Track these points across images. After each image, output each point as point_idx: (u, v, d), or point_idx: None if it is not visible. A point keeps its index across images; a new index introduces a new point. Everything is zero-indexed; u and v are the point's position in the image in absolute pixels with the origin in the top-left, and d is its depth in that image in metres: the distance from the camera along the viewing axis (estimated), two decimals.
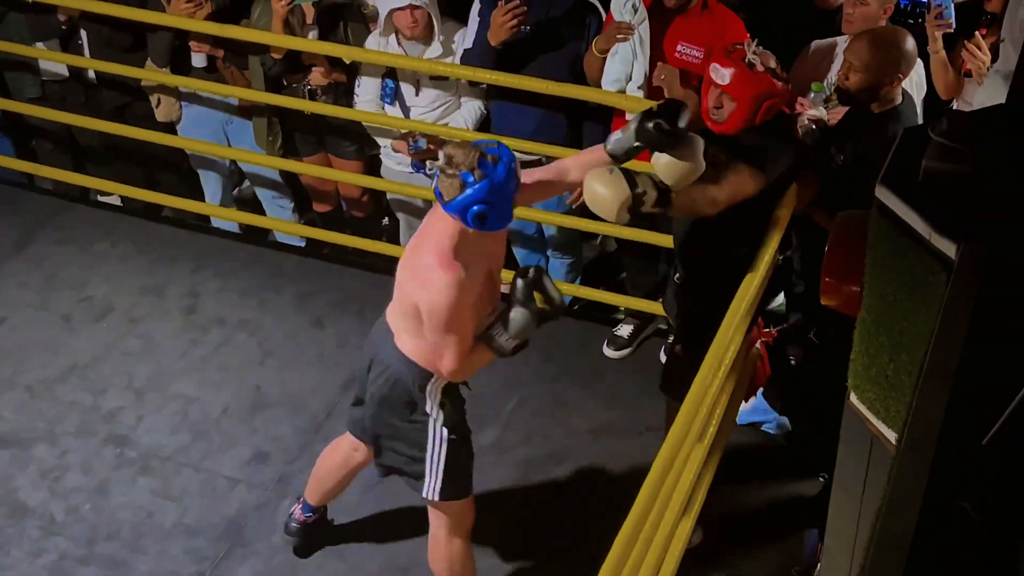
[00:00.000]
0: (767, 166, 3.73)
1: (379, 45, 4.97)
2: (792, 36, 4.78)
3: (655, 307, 4.96)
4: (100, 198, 6.19)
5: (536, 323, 3.50)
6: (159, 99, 5.57)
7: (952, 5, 4.40)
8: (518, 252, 5.43)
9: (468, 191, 3.25)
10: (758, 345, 4.56)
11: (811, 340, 4.20)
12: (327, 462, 4.13)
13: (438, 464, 3.72)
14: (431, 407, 3.67)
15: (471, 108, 5.06)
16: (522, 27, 4.63)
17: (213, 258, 5.67)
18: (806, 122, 4.16)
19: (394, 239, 5.68)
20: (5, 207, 6.02)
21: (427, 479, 3.74)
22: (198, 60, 5.39)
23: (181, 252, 5.71)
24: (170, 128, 5.67)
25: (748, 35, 4.42)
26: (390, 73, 5.05)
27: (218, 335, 5.24)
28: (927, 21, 4.41)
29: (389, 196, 5.50)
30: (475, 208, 3.27)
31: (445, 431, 3.70)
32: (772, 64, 3.73)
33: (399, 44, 4.94)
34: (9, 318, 5.36)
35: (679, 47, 4.52)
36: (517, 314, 3.49)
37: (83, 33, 5.56)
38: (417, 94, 5.03)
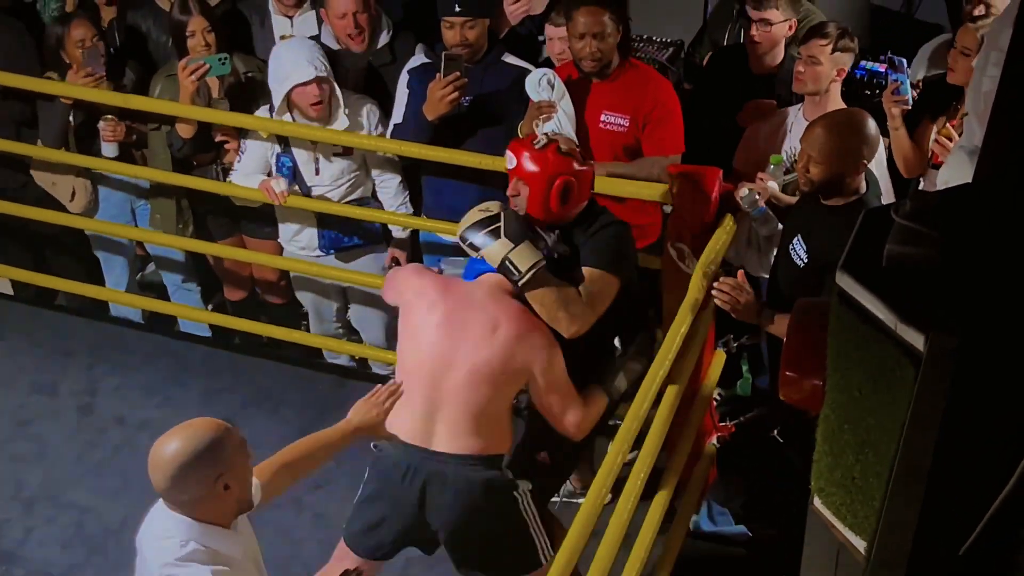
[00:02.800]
0: (615, 266, 3.85)
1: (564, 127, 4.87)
2: (735, 106, 4.91)
3: None
4: None
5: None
6: (73, 191, 5.52)
7: (908, 81, 4.55)
8: None
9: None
10: (713, 441, 4.59)
11: (774, 438, 4.21)
12: None
13: (539, 528, 3.85)
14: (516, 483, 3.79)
15: (393, 185, 5.09)
16: (461, 100, 4.69)
17: (112, 350, 5.61)
18: (746, 192, 4.23)
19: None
20: None
21: (539, 549, 3.84)
22: (108, 150, 5.35)
23: (76, 344, 5.65)
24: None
25: (675, 96, 4.58)
26: (285, 149, 5.06)
27: (117, 437, 5.16)
28: (884, 98, 4.55)
29: (294, 277, 5.49)
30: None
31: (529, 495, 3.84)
32: (563, 146, 3.84)
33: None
34: None
35: (603, 116, 4.59)
36: (637, 364, 3.89)
37: None
38: (317, 172, 5.05)
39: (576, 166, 3.83)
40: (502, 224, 3.72)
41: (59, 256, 5.90)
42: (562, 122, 4.50)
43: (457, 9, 4.68)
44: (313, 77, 4.78)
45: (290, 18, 5.30)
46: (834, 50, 4.55)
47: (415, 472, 3.69)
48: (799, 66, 4.61)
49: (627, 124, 4.58)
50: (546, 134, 3.89)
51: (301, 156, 5.04)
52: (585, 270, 3.83)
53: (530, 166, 3.82)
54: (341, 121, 4.93)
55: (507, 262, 3.68)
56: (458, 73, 4.61)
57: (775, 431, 4.19)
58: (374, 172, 5.10)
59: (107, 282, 5.88)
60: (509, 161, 3.87)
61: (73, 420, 5.27)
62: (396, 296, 3.89)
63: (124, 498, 4.86)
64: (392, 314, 5.13)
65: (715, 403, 4.65)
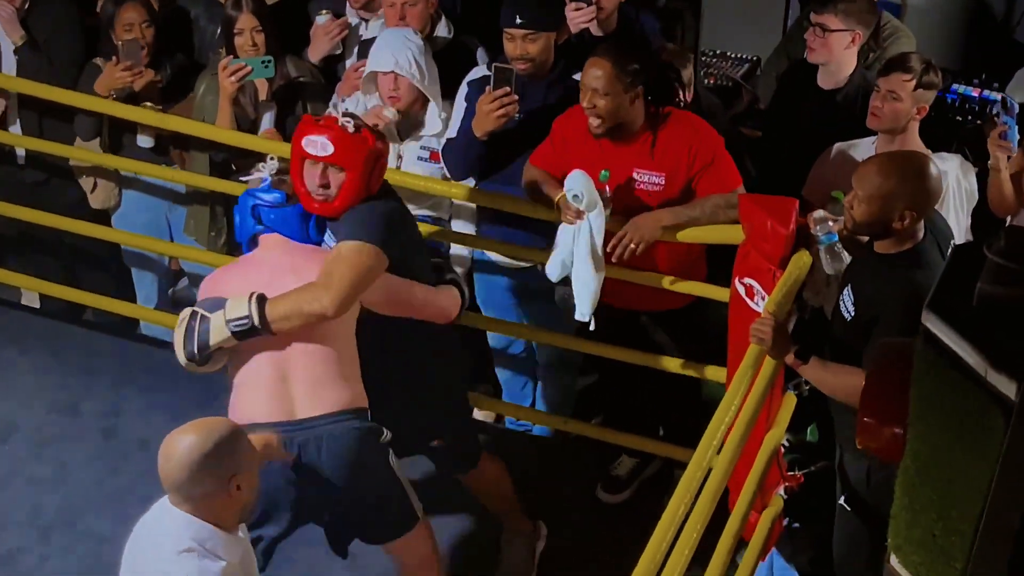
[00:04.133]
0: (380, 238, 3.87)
1: (359, 106, 4.97)
2: (805, 124, 4.87)
3: (656, 445, 5.00)
4: (22, 298, 6.21)
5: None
6: (95, 183, 5.60)
7: (1016, 127, 4.46)
8: (501, 373, 5.49)
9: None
10: (780, 491, 4.54)
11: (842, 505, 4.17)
12: None
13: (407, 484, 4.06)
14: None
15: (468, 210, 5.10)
16: (513, 116, 4.68)
17: (139, 371, 5.62)
18: (821, 214, 4.08)
19: None
20: None
21: (413, 505, 4.05)
22: (144, 141, 5.43)
23: (102, 363, 5.67)
24: (103, 216, 5.69)
25: (716, 134, 4.51)
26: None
27: (140, 463, 5.14)
28: (989, 139, 4.48)
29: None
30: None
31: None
32: (371, 122, 4.06)
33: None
34: None
35: (635, 174, 4.50)
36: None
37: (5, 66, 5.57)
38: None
39: (384, 143, 4.01)
40: (200, 310, 3.83)
41: (90, 270, 5.97)
42: (590, 232, 4.40)
43: (518, 21, 4.67)
44: (389, 70, 4.80)
45: (365, 21, 5.39)
46: (917, 86, 4.49)
47: (287, 448, 3.75)
48: (876, 100, 4.55)
49: (663, 182, 4.48)
50: (347, 113, 3.98)
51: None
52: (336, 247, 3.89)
53: (351, 150, 3.86)
54: (432, 125, 4.95)
55: (233, 323, 3.76)
56: (508, 88, 4.61)
57: (842, 498, 4.12)
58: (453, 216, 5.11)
59: (138, 298, 5.93)
60: (320, 148, 3.86)
61: (95, 443, 5.29)
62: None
63: None
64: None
65: (783, 450, 4.60)
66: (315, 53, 5.32)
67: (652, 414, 5.17)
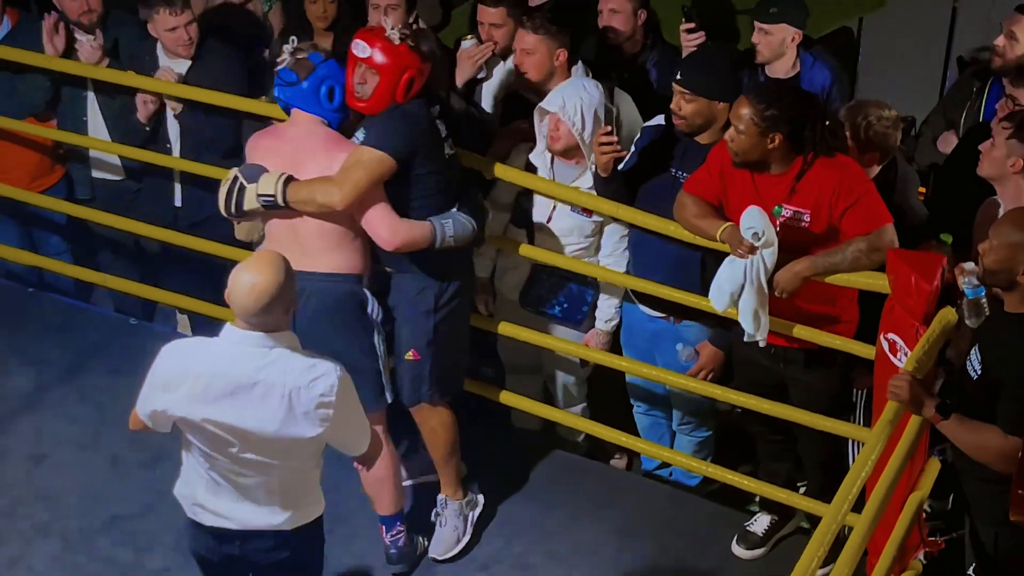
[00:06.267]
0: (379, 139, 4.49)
1: (541, 161, 5.17)
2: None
3: (796, 499, 4.97)
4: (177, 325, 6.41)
5: None
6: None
7: None
8: (640, 420, 5.54)
9: (318, 68, 4.54)
10: (920, 556, 4.50)
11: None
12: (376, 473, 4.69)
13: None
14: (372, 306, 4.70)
15: (614, 239, 5.18)
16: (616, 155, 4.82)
17: None
18: (972, 266, 4.02)
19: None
20: (58, 327, 6.22)
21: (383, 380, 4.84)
22: None
23: None
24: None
25: (863, 173, 4.53)
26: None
27: None
28: None
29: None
30: (327, 83, 4.54)
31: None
32: (412, 42, 4.47)
33: (551, 164, 5.15)
34: (51, 455, 5.49)
35: (782, 209, 4.56)
36: (464, 217, 4.73)
37: (172, 133, 5.82)
38: (549, 220, 5.20)
39: (422, 62, 4.49)
40: (240, 178, 4.53)
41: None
42: (763, 268, 4.46)
43: (678, 77, 4.80)
44: (554, 110, 4.98)
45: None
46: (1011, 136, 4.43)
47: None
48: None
49: (809, 218, 4.52)
50: (395, 29, 4.47)
51: (539, 198, 5.18)
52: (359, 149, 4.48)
53: (383, 58, 4.46)
54: (586, 178, 5.06)
55: (262, 197, 4.48)
56: (609, 128, 4.75)
57: (971, 568, 4.10)
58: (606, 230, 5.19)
59: None
60: (361, 50, 4.48)
61: None
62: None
63: None
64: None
65: (925, 515, 4.57)
66: (460, 77, 5.46)
67: (789, 465, 5.16)
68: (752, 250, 4.43)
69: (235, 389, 3.71)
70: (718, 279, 4.57)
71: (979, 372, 3.90)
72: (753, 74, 5.31)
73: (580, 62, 5.27)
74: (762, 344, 4.59)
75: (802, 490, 5.16)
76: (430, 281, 4.73)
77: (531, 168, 5.21)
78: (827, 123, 4.54)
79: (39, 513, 5.23)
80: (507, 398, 5.49)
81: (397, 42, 4.47)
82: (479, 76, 5.53)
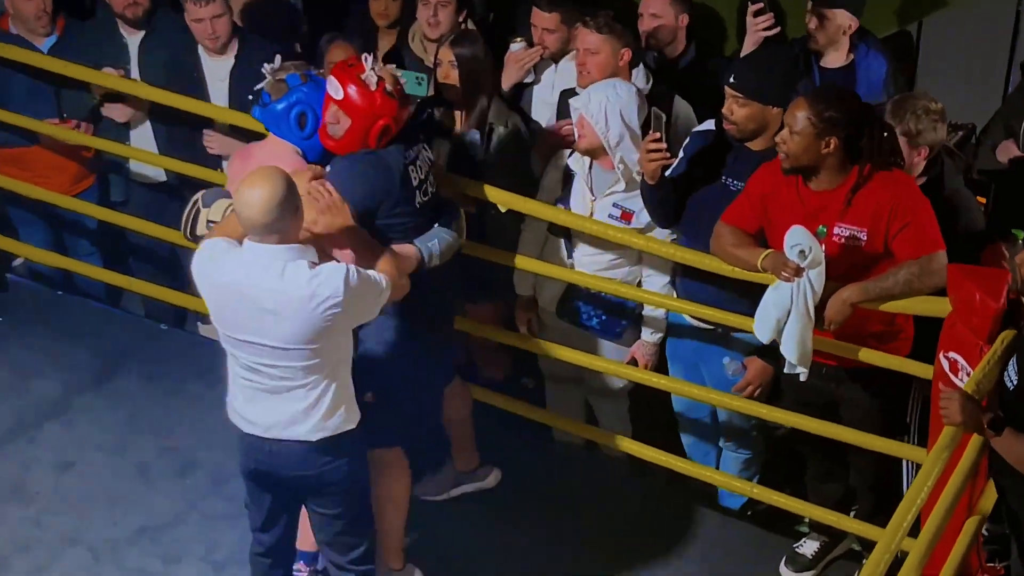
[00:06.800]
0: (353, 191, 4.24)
1: (579, 166, 5.04)
2: None
3: (847, 522, 4.87)
4: (201, 328, 6.36)
5: None
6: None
7: None
8: (685, 438, 5.43)
9: (293, 91, 4.34)
10: None
11: None
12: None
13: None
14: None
15: (659, 284, 5.05)
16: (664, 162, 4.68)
17: None
18: None
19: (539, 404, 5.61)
20: (89, 331, 6.20)
21: None
22: None
23: None
24: None
25: (919, 192, 4.42)
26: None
27: None
28: None
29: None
30: (298, 108, 4.33)
31: None
32: (389, 86, 4.24)
33: (589, 168, 5.02)
34: (78, 463, 5.46)
35: (836, 227, 4.43)
36: (448, 235, 4.52)
37: None
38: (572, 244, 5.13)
39: (398, 110, 4.27)
40: (199, 200, 4.42)
41: None
42: (810, 290, 4.35)
43: (731, 80, 4.68)
44: (577, 107, 4.88)
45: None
46: None
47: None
48: None
49: (865, 237, 4.40)
50: (374, 70, 4.24)
51: (576, 205, 5.06)
52: None
53: (358, 102, 4.23)
54: (621, 182, 4.94)
55: (211, 223, 4.31)
56: (659, 134, 4.60)
57: None
58: (645, 263, 5.09)
59: None
60: (334, 90, 4.26)
61: None
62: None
63: None
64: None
65: (983, 539, 4.45)
66: (507, 80, 5.39)
67: (840, 486, 5.06)
68: (798, 272, 4.33)
69: (253, 302, 3.86)
70: (763, 306, 4.47)
71: (1015, 383, 3.83)
72: (807, 70, 5.25)
73: (641, 64, 5.19)
74: (803, 378, 4.50)
75: (853, 512, 5.05)
76: (397, 314, 4.44)
77: (568, 173, 5.11)
78: (885, 133, 4.43)
79: (66, 522, 5.18)
80: (545, 416, 5.44)
81: (373, 86, 4.23)
82: (527, 80, 5.46)
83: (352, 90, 4.23)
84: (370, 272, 3.96)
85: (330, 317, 3.85)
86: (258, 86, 4.44)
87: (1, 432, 5.56)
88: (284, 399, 4.03)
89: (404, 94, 4.34)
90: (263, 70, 4.43)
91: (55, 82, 5.86)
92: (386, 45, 5.82)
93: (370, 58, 4.28)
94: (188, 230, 4.44)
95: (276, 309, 3.85)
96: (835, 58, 5.30)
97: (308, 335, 3.89)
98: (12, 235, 6.39)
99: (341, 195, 4.18)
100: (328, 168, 4.32)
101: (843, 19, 5.22)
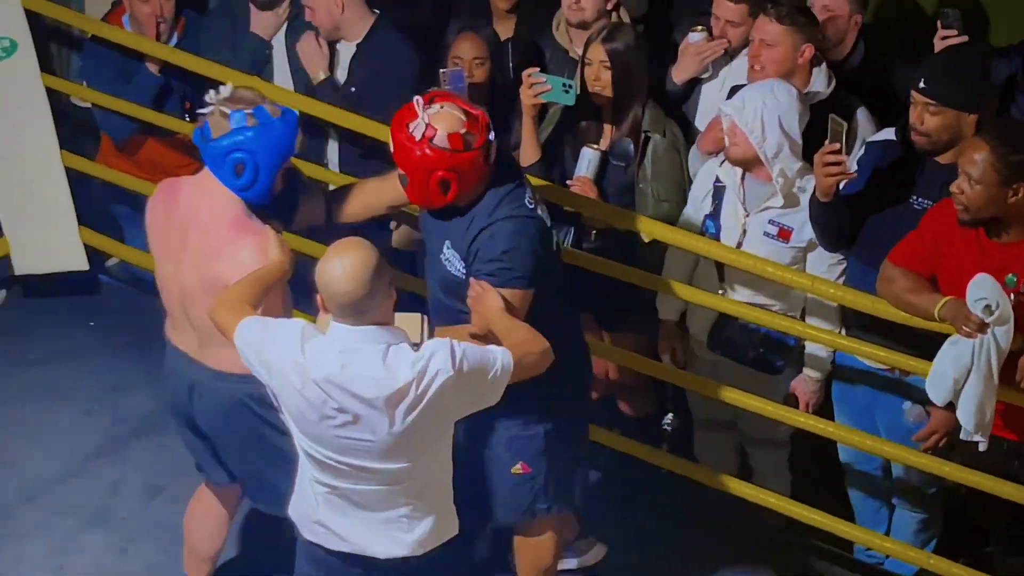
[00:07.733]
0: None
1: (729, 177, 4.76)
2: None
3: None
4: None
5: None
6: (397, 223, 5.41)
7: None
8: (853, 494, 5.14)
9: (232, 131, 3.88)
10: None
11: None
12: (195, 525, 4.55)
13: None
14: None
15: (823, 267, 4.71)
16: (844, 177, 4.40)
17: None
18: None
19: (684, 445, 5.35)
20: None
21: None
22: None
23: None
24: None
25: None
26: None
27: None
28: None
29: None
30: (236, 155, 3.87)
31: None
32: (443, 132, 3.80)
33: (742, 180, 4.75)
34: (169, 487, 5.25)
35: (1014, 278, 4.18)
36: None
37: (331, 147, 5.52)
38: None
39: (454, 158, 3.82)
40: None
41: None
42: (996, 349, 4.04)
43: (921, 85, 4.34)
44: (728, 113, 4.62)
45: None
46: None
47: (181, 376, 4.23)
48: None
49: None
50: (427, 113, 3.83)
51: (727, 220, 4.75)
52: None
53: (403, 157, 3.88)
54: (778, 197, 4.65)
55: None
56: (837, 145, 4.31)
57: None
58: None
59: None
60: (390, 145, 3.92)
61: None
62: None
63: None
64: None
65: None
66: (680, 73, 5.09)
67: None
68: (983, 328, 4.01)
69: (352, 399, 3.56)
70: (939, 363, 4.17)
71: None
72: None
73: (823, 64, 4.84)
74: (982, 448, 4.19)
75: None
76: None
77: (720, 187, 4.77)
78: None
79: (154, 554, 5.01)
80: (688, 469, 5.07)
81: (419, 137, 3.83)
82: (703, 76, 5.13)
83: (398, 140, 3.88)
84: (482, 347, 3.65)
85: (436, 400, 3.54)
86: (200, 111, 4.00)
87: (87, 451, 5.43)
88: (380, 506, 3.78)
89: (467, 140, 3.87)
90: (206, 98, 3.99)
91: (179, 77, 5.67)
92: (505, 32, 5.48)
93: (422, 101, 3.88)
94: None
95: (381, 403, 3.54)
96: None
97: (409, 426, 3.57)
98: (111, 234, 6.18)
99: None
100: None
101: None
